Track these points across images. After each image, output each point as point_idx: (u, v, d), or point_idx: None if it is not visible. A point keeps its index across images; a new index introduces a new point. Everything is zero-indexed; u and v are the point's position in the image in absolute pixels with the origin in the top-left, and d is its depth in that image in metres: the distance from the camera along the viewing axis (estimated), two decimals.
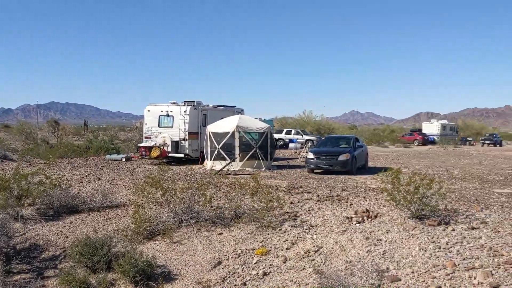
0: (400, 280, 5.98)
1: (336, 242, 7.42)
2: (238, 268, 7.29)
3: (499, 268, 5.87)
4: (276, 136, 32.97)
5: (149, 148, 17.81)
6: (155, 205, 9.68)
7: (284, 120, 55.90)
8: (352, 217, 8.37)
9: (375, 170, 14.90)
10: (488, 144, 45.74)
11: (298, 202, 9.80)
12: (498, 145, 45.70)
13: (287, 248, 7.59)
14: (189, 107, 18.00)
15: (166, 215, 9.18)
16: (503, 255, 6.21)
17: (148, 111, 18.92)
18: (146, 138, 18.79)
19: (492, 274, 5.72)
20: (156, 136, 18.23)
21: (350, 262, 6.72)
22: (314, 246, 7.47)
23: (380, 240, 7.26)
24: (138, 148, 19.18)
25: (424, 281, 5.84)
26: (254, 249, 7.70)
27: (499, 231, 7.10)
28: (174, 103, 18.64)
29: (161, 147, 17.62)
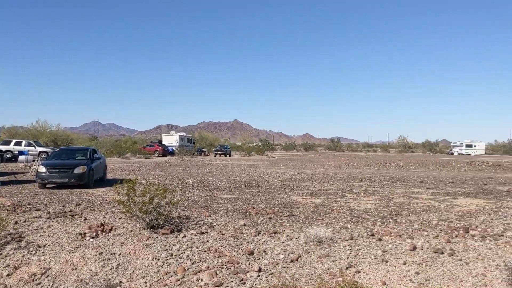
0: None
1: (67, 261, 6.90)
2: None
3: (223, 268, 6.46)
4: (3, 147, 29.23)
5: None
6: None
7: (14, 130, 50.10)
8: (85, 233, 7.94)
9: (113, 182, 14.62)
10: (220, 154, 50.74)
11: (25, 221, 8.77)
12: (228, 155, 51.11)
13: (8, 275, 6.65)
14: None
15: None
16: (226, 255, 6.87)
17: None
18: None
19: (217, 274, 6.24)
20: None
21: (82, 280, 6.33)
22: (41, 268, 6.77)
23: (114, 254, 7.08)
24: None
25: None
26: None
27: (224, 234, 7.84)
28: None
29: None
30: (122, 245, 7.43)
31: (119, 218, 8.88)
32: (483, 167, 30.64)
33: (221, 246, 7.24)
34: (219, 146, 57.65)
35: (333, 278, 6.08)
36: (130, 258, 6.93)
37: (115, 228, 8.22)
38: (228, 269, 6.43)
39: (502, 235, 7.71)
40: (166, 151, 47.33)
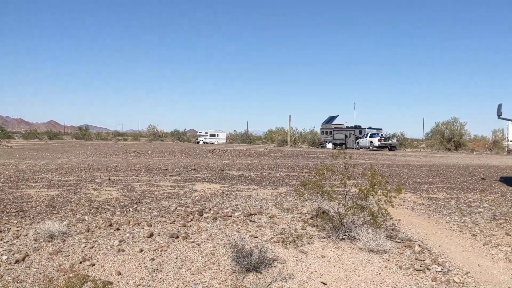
0: None
1: None
2: None
3: None
4: None
5: None
6: None
7: None
8: None
9: None
10: None
11: None
12: None
13: None
14: None
15: None
16: None
17: None
18: None
19: None
20: None
21: None
22: None
23: None
24: None
25: None
26: None
27: None
28: None
29: None
30: None
31: None
32: (222, 154, 33.72)
33: None
34: None
35: (64, 275, 5.66)
36: None
37: None
38: None
39: (231, 216, 8.54)
40: None
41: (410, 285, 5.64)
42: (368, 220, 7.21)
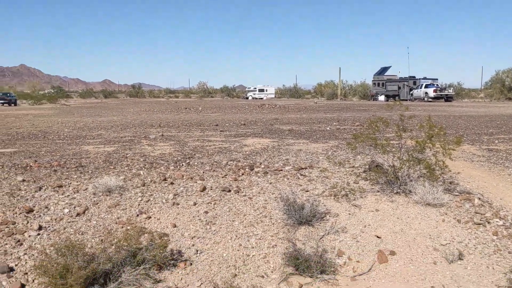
0: None
1: None
2: None
3: None
4: None
5: None
6: None
7: None
8: None
9: None
10: (3, 103, 44.93)
11: None
12: (13, 104, 45.54)
13: None
14: None
15: None
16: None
17: None
18: None
19: None
20: None
21: None
22: None
23: None
24: None
25: None
26: None
27: None
28: None
29: None
30: None
31: None
32: (271, 109, 33.57)
33: None
34: (1, 94, 50.64)
35: (122, 227, 5.88)
36: None
37: None
38: (1, 231, 5.67)
39: (281, 170, 8.51)
40: None
41: (469, 239, 5.45)
42: (424, 173, 6.97)
